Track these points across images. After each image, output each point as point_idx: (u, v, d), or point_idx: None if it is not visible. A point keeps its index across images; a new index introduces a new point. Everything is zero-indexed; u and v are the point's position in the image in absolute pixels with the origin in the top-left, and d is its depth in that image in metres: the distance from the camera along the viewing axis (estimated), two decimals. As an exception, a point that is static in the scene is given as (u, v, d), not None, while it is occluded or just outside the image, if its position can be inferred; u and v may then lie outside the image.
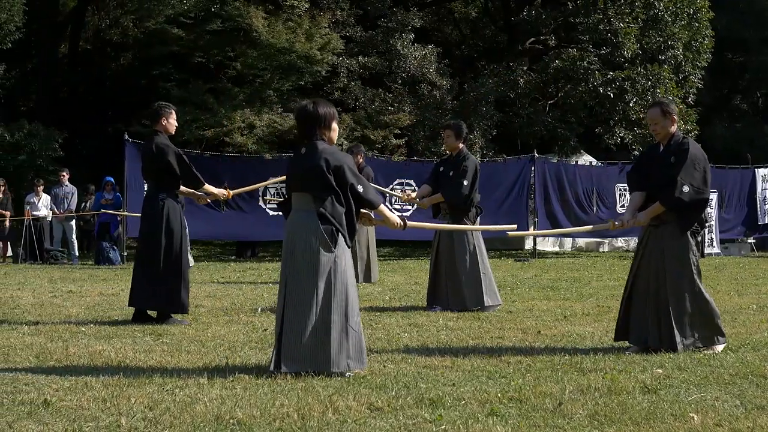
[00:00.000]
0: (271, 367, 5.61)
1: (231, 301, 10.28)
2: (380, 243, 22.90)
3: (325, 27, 24.73)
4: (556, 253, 23.08)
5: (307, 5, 24.80)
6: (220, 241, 25.40)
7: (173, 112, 8.84)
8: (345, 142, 22.81)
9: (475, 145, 24.31)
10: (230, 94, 24.89)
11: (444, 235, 9.65)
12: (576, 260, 20.03)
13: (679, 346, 6.42)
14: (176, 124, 8.93)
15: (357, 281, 12.88)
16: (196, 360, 6.15)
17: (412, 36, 26.12)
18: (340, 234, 5.72)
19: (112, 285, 12.65)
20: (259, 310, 9.30)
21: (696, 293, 6.56)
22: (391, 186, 20.33)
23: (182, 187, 8.69)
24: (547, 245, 23.81)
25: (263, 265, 17.86)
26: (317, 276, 5.62)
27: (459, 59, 30.50)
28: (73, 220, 20.03)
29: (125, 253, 19.04)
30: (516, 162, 21.77)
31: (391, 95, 25.64)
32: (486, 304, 9.40)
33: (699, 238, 6.78)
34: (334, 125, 5.98)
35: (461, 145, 9.75)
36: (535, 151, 22.26)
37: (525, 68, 26.49)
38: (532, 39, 28.25)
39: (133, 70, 31.07)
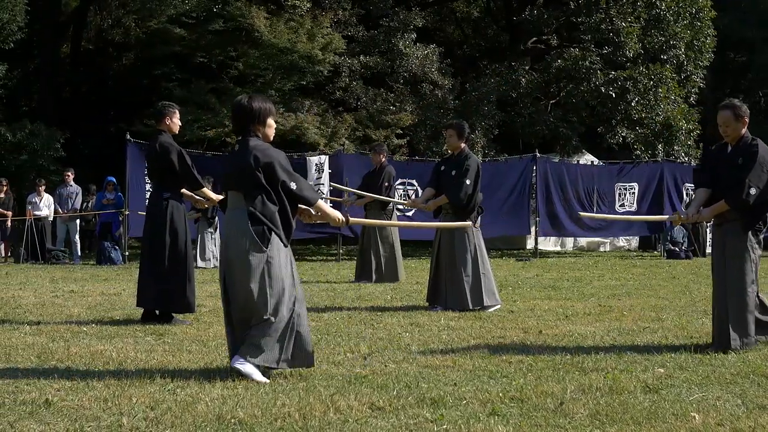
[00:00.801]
0: (233, 363, 5.47)
1: (233, 301, 10.25)
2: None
3: (327, 27, 24.72)
4: (558, 253, 23.08)
5: (308, 5, 24.79)
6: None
7: (177, 112, 8.86)
8: (347, 142, 22.82)
9: (477, 144, 24.29)
10: (232, 94, 24.84)
11: (444, 235, 9.63)
12: (577, 260, 20.02)
13: (733, 344, 6.44)
14: (180, 124, 8.95)
15: (373, 281, 12.99)
16: (197, 360, 6.15)
17: (414, 36, 26.12)
18: (273, 233, 5.55)
19: (114, 285, 12.65)
20: None
21: (752, 291, 6.61)
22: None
23: (183, 189, 8.69)
24: (548, 245, 23.81)
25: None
26: (250, 277, 5.46)
27: (461, 59, 30.49)
28: (77, 220, 20.05)
29: (127, 253, 19.06)
30: (518, 161, 21.76)
31: (392, 95, 25.64)
32: (485, 304, 9.40)
33: (761, 236, 6.83)
34: (270, 121, 5.84)
35: (463, 145, 9.74)
36: (537, 150, 22.26)
37: (527, 68, 26.49)
38: (534, 39, 28.26)
39: (135, 70, 31.10)
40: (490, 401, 4.82)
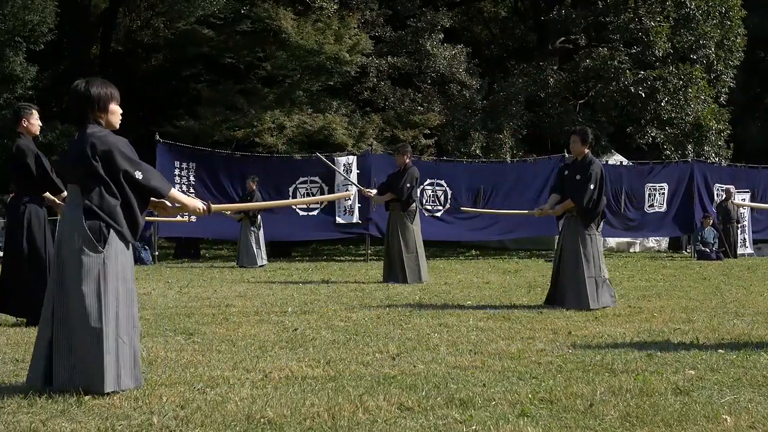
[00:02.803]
0: (38, 383, 4.96)
1: (261, 301, 10.31)
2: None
3: (355, 27, 24.76)
4: (587, 254, 22.91)
5: (335, 6, 24.85)
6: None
7: (34, 112, 8.43)
8: (375, 142, 22.84)
9: (505, 144, 24.26)
10: (260, 94, 25.00)
11: (567, 238, 9.81)
12: (607, 261, 19.77)
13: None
14: (40, 124, 8.54)
15: (400, 281, 12.98)
16: (226, 359, 6.17)
17: (441, 36, 26.13)
18: (112, 230, 4.97)
19: (144, 285, 12.73)
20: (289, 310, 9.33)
21: None
22: (422, 187, 20.37)
23: (46, 194, 8.41)
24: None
25: (293, 265, 17.91)
26: (82, 280, 4.87)
27: (488, 59, 30.45)
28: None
29: (156, 253, 19.20)
30: (546, 162, 21.68)
31: (420, 95, 25.65)
32: (603, 305, 9.52)
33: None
34: (113, 107, 5.24)
35: (587, 150, 9.97)
36: (566, 150, 22.15)
37: (555, 67, 26.41)
38: (562, 38, 28.15)
39: (164, 71, 31.30)
40: (520, 402, 4.80)
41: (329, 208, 20.04)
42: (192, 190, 18.81)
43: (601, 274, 9.65)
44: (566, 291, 9.63)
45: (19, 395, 4.81)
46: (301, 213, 20.07)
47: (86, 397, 4.80)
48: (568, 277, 9.65)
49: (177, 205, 5.43)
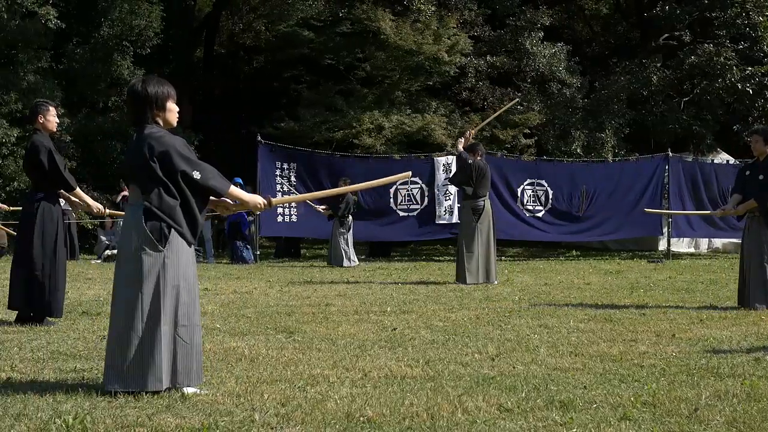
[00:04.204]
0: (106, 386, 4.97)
1: (361, 300, 10.37)
2: (509, 243, 22.85)
3: (453, 27, 24.73)
4: (691, 255, 22.43)
5: (433, 8, 24.86)
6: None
7: (51, 109, 8.44)
8: (474, 141, 22.76)
9: (607, 144, 23.90)
10: (359, 95, 25.19)
11: (751, 237, 9.70)
12: (712, 262, 19.42)
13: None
14: (57, 121, 8.58)
15: (474, 281, 12.88)
16: (326, 358, 6.22)
17: (541, 34, 25.90)
18: (173, 230, 4.99)
19: (246, 283, 12.94)
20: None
21: None
22: (521, 187, 20.23)
23: (62, 191, 8.43)
24: (681, 246, 23.16)
25: (393, 265, 17.97)
26: (142, 279, 4.90)
27: (590, 57, 30.02)
28: (210, 220, 20.65)
29: (258, 252, 19.51)
30: (649, 161, 21.27)
31: (520, 94, 25.46)
32: None
33: None
34: (170, 105, 5.20)
35: None
36: (670, 149, 21.71)
37: (658, 65, 25.86)
38: (666, 35, 27.59)
39: (265, 72, 31.81)
40: (622, 405, 4.72)
41: (430, 209, 20.07)
42: (293, 191, 19.04)
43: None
44: (752, 290, 9.53)
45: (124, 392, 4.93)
46: (402, 214, 20.15)
47: (189, 393, 4.91)
48: (753, 278, 9.54)
49: (237, 202, 5.42)
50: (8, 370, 5.69)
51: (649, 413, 4.57)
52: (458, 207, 13.28)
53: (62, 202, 8.52)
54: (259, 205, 5.43)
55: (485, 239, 13.17)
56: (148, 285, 4.91)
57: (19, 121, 20.71)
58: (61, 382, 5.31)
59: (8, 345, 6.75)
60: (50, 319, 8.16)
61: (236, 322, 8.32)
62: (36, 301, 8.09)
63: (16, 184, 20.88)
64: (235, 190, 5.29)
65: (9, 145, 20.97)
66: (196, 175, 5.02)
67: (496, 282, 13.05)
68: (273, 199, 5.62)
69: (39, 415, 4.42)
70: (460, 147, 13.53)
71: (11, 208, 12.73)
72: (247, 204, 5.45)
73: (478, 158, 13.45)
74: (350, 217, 17.68)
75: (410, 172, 7.37)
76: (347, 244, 17.55)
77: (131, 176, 5.20)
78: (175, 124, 5.29)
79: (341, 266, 17.15)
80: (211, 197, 5.26)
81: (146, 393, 4.85)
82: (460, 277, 13.10)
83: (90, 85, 23.57)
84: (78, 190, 8.41)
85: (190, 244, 5.10)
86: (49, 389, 5.01)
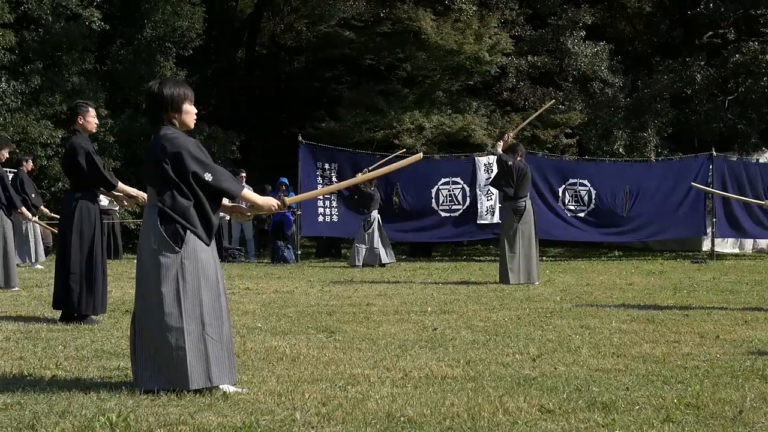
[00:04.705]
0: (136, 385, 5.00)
1: (401, 300, 10.37)
2: (550, 243, 22.72)
3: (494, 27, 24.66)
4: (736, 255, 22.15)
5: (475, 7, 24.80)
6: (393, 242, 25.73)
7: (91, 110, 8.57)
8: (514, 142, 22.68)
9: (650, 143, 23.69)
10: (400, 95, 25.19)
11: None
12: (757, 263, 19.17)
13: None
14: (96, 122, 8.70)
15: (516, 281, 12.83)
16: (367, 357, 6.23)
17: (583, 33, 25.75)
18: (188, 232, 5.00)
19: (287, 283, 13.00)
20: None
21: None
22: (563, 186, 20.10)
23: (103, 190, 8.58)
24: (726, 247, 22.88)
25: (433, 265, 17.96)
26: (160, 280, 4.92)
27: (632, 55, 29.77)
28: (250, 220, 20.76)
29: (299, 252, 19.59)
30: (693, 161, 21.04)
31: (561, 94, 25.32)
32: None
33: None
34: (186, 107, 5.24)
35: None
36: (714, 149, 21.45)
37: (702, 63, 25.58)
38: (710, 33, 27.28)
39: (306, 73, 31.92)
40: (665, 407, 4.67)
41: (471, 210, 20.02)
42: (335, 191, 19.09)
43: None
44: None
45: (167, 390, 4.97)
46: (443, 214, 20.13)
47: (231, 392, 4.94)
48: None
49: (250, 205, 5.45)
50: (53, 368, 5.77)
51: (693, 415, 4.52)
52: (499, 207, 13.23)
53: (105, 201, 8.64)
54: (273, 207, 5.43)
55: (527, 239, 13.11)
56: (167, 286, 4.93)
57: (65, 122, 20.97)
58: (105, 380, 5.38)
59: (53, 343, 6.85)
60: (94, 317, 8.26)
61: (277, 321, 8.36)
62: (74, 301, 8.20)
63: (60, 184, 21.15)
64: (247, 193, 5.31)
65: (54, 146, 21.26)
66: (208, 177, 5.03)
67: (537, 282, 13.00)
68: (287, 199, 5.60)
69: (83, 412, 4.46)
70: (499, 150, 13.49)
71: (52, 213, 12.90)
72: (261, 207, 5.46)
73: (519, 159, 13.41)
74: (374, 213, 17.48)
75: (421, 154, 7.30)
76: (373, 243, 17.29)
77: (147, 177, 5.22)
78: (192, 125, 5.33)
79: (353, 266, 17.04)
80: (224, 204, 5.29)
81: (188, 391, 4.89)
82: (504, 278, 13.06)
83: (133, 86, 23.81)
84: (120, 184, 8.50)
85: (207, 244, 5.09)
86: (93, 387, 5.08)
